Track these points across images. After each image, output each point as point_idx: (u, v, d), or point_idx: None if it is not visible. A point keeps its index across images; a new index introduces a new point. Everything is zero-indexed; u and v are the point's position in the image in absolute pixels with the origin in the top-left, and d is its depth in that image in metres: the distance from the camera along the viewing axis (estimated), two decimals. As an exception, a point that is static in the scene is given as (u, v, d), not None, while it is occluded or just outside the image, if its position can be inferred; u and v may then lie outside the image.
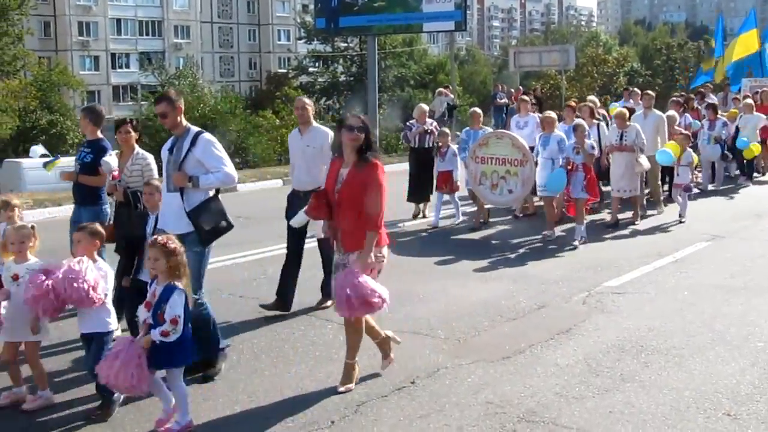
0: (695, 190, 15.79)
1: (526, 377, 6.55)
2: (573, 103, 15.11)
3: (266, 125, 42.89)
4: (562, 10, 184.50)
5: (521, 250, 11.68)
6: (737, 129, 17.97)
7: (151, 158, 8.23)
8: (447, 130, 14.28)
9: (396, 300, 8.86)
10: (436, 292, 9.30)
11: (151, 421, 5.73)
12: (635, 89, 20.82)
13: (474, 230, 13.21)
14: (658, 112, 14.64)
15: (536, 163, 12.63)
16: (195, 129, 6.70)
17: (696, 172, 17.88)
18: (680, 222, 13.47)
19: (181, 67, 60.43)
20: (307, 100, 8.88)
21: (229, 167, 6.67)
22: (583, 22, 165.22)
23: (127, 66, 71.68)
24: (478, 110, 14.38)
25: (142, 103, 56.41)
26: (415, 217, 14.31)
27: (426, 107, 15.15)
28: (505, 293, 9.18)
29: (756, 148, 17.58)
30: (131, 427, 5.75)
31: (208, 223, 6.61)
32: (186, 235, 6.36)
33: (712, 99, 21.26)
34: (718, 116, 17.60)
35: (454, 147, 13.81)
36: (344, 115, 6.56)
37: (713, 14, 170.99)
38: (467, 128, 14.08)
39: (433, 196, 14.14)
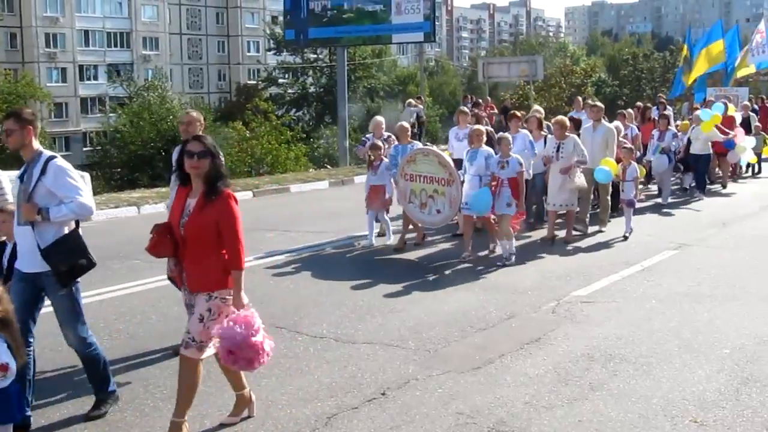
0: (647, 203, 15.84)
1: (497, 387, 6.57)
2: (519, 114, 14.34)
3: (236, 137, 42.66)
4: (531, 21, 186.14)
5: (488, 262, 11.71)
6: (689, 141, 17.78)
7: (4, 178, 6.88)
8: (379, 143, 13.04)
9: (366, 311, 8.91)
10: (407, 303, 9.31)
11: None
12: (588, 100, 20.27)
13: (419, 246, 12.62)
14: (607, 124, 14.05)
15: (463, 181, 11.86)
16: (47, 154, 5.89)
17: (649, 186, 18.07)
18: (624, 238, 13.00)
19: (149, 79, 59.96)
20: (194, 114, 7.90)
21: (85, 197, 5.84)
22: (551, 33, 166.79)
23: (95, 78, 71.16)
24: (406, 124, 13.50)
25: (111, 115, 55.88)
26: (380, 235, 13.34)
27: (381, 119, 14.21)
28: (475, 304, 9.20)
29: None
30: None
31: (65, 263, 5.81)
32: (44, 276, 5.82)
33: (668, 111, 20.90)
34: (668, 127, 17.37)
35: (387, 161, 12.78)
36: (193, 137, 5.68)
37: (678, 25, 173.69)
38: (396, 143, 13.08)
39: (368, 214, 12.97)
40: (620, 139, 14.54)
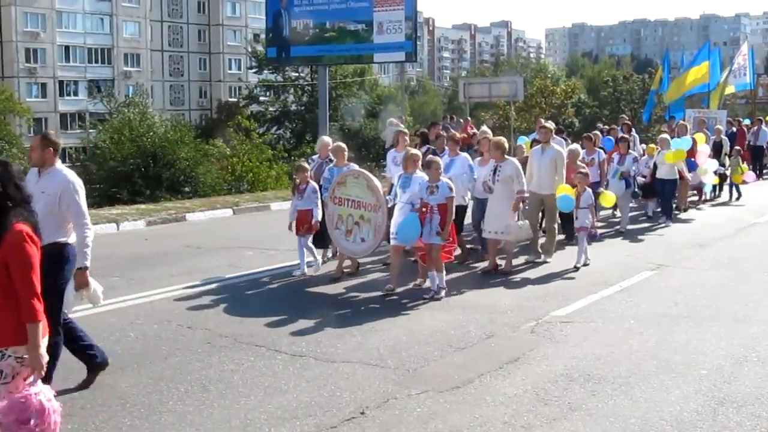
0: (609, 230, 15.61)
1: (476, 407, 6.57)
2: (458, 136, 13.47)
3: (216, 154, 42.59)
4: (512, 41, 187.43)
5: (469, 281, 11.73)
6: (655, 165, 17.07)
7: None
8: (306, 164, 12.42)
9: (345, 330, 8.89)
10: (386, 322, 9.29)
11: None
12: (541, 119, 19.40)
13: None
14: (557, 147, 13.31)
15: (392, 208, 11.04)
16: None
17: (615, 213, 17.30)
18: (575, 269, 12.10)
19: (130, 96, 59.90)
20: (48, 138, 7.11)
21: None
22: (531, 54, 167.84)
23: (76, 93, 71.04)
24: (342, 144, 12.36)
25: (91, 131, 55.66)
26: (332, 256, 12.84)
27: (328, 140, 13.13)
28: (454, 323, 9.20)
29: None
30: None
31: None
32: None
33: (633, 134, 20.20)
34: (629, 151, 16.69)
35: (315, 184, 11.87)
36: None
37: (657, 48, 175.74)
38: (331, 165, 12.15)
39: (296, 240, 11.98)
40: (578, 162, 13.90)
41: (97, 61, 72.77)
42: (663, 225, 16.57)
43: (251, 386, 7.13)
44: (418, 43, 26.63)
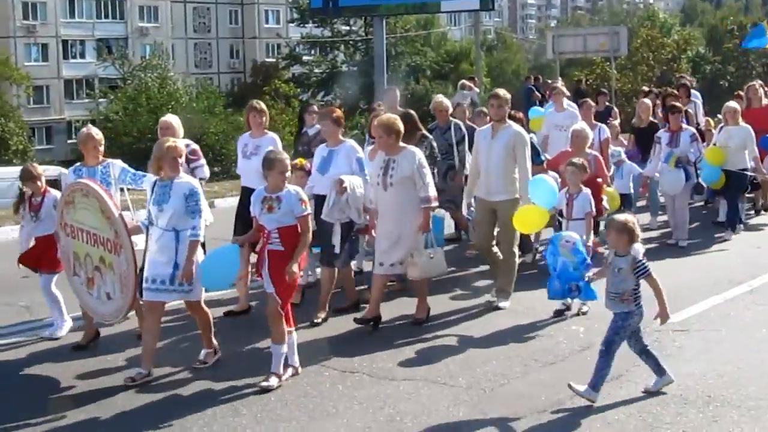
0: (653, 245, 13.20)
1: (567, 435, 6.54)
2: (337, 111, 10.26)
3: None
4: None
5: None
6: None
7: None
8: (38, 169, 9.86)
9: (405, 342, 8.89)
10: (455, 331, 9.28)
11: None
12: (557, 84, 17.92)
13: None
14: (516, 127, 10.29)
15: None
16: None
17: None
18: (581, 313, 9.84)
19: (147, 57, 60.71)
20: None
21: None
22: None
23: (82, 56, 72.05)
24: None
25: (100, 100, 56.61)
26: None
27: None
28: (542, 331, 9.19)
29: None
30: None
31: None
32: None
33: (694, 100, 17.65)
34: (684, 126, 13.98)
35: (57, 194, 9.59)
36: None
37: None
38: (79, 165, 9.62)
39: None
40: (587, 150, 11.26)
41: (107, 16, 73.67)
42: (724, 238, 13.81)
43: (292, 408, 7.19)
44: (495, -13, 26.45)
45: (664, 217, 14.59)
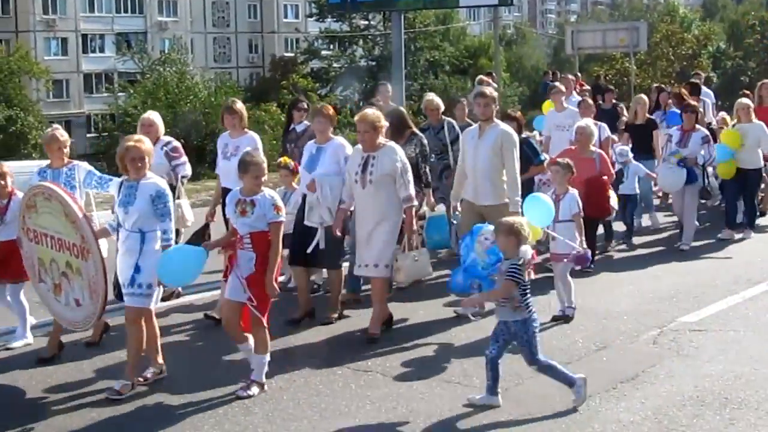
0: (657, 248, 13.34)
1: (581, 437, 6.49)
2: (329, 109, 10.19)
3: (270, 121, 43.01)
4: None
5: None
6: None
7: None
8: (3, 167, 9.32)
9: (420, 341, 8.86)
10: (469, 331, 9.20)
11: None
12: (569, 75, 18.18)
13: None
14: (503, 126, 9.80)
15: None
16: None
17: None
18: (561, 320, 9.51)
19: (166, 51, 60.82)
20: None
21: None
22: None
23: (102, 50, 72.31)
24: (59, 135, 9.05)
25: (120, 94, 56.80)
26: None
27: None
28: (557, 331, 9.13)
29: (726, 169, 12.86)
30: None
31: None
32: None
33: (705, 99, 16.98)
34: (697, 126, 13.47)
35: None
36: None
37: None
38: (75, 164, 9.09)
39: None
40: (591, 148, 11.49)
41: (126, 11, 73.90)
42: (744, 237, 13.74)
43: (304, 407, 7.17)
44: (514, -19, 26.38)
45: (674, 218, 14.49)
